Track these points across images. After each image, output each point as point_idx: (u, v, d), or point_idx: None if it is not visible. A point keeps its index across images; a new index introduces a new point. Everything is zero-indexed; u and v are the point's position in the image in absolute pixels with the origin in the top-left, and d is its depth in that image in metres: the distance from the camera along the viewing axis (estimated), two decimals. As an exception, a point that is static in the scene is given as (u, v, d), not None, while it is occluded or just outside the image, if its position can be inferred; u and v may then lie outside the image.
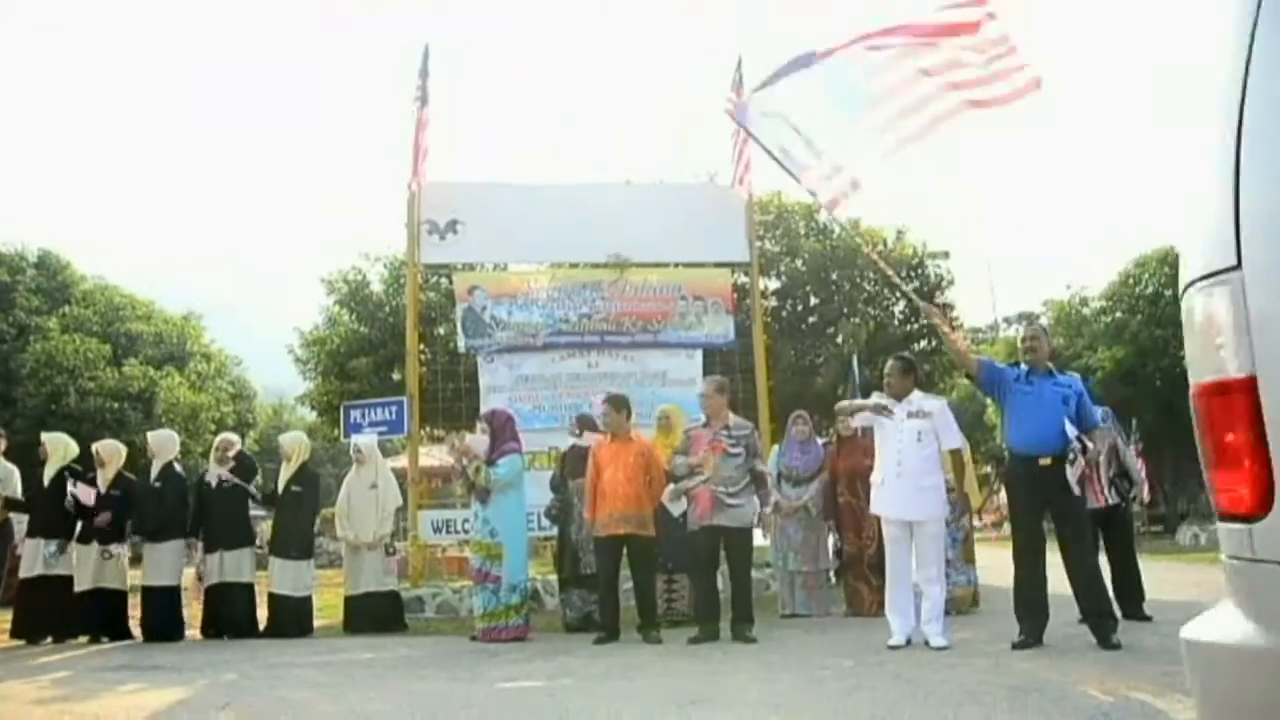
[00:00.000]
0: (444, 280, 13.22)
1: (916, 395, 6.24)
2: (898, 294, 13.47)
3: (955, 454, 6.19)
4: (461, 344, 9.98)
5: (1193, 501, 24.05)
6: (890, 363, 6.43)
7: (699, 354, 10.02)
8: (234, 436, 8.92)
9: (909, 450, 6.05)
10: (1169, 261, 21.81)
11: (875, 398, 6.47)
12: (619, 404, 7.24)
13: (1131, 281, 22.59)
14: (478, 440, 7.28)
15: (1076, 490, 5.65)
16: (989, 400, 25.58)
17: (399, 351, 12.31)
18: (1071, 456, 5.60)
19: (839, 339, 13.65)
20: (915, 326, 14.33)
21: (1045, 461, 5.68)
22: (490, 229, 10.00)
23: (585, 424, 8.10)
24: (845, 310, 13.82)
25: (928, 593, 6.09)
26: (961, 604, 7.68)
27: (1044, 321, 26.43)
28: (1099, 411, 6.87)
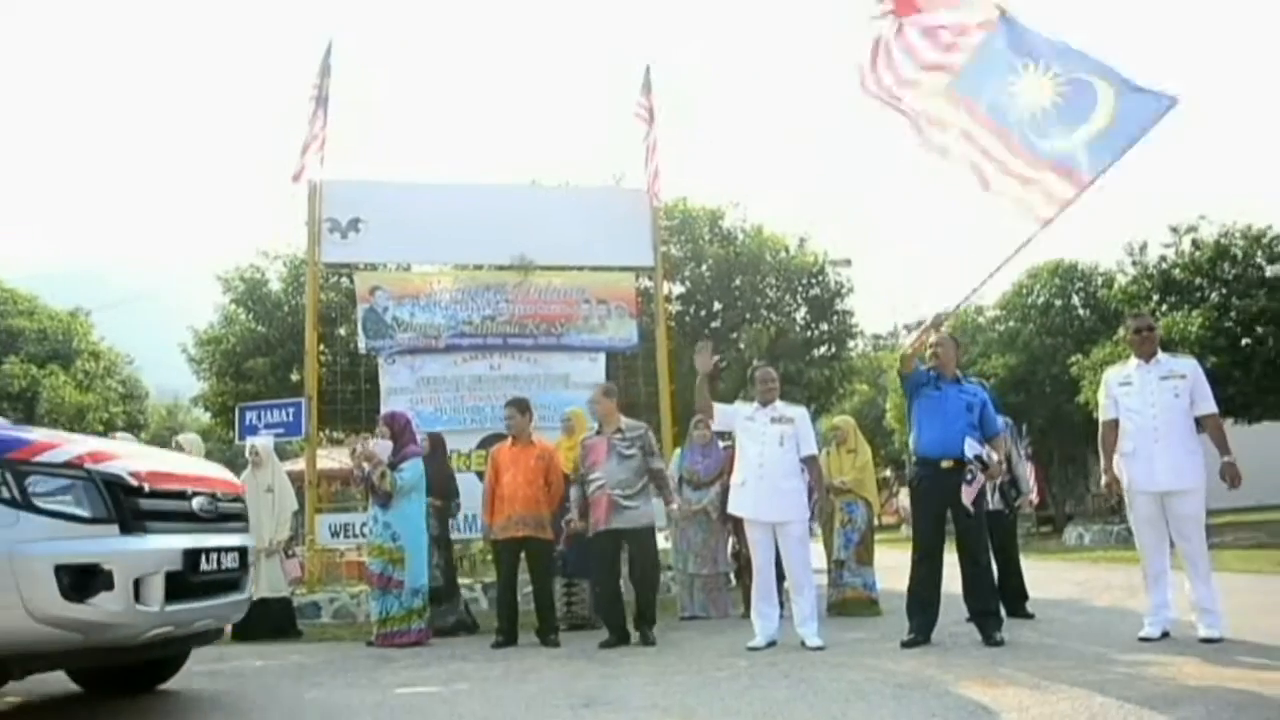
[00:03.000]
0: (345, 280, 13.00)
1: (780, 403, 6.45)
2: (799, 300, 13.71)
3: (812, 460, 6.40)
4: (362, 345, 9.84)
5: (1079, 504, 24.98)
6: (763, 370, 6.59)
7: (602, 357, 10.06)
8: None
9: (771, 453, 6.24)
10: (1059, 273, 22.65)
11: (738, 405, 6.67)
12: (524, 407, 7.27)
13: (1024, 291, 23.31)
14: (381, 445, 7.19)
15: (970, 508, 5.83)
16: (887, 406, 26.32)
17: (297, 352, 12.06)
18: (969, 476, 5.79)
19: (741, 344, 13.83)
20: (815, 333, 14.59)
21: (947, 464, 5.87)
22: (393, 228, 9.87)
23: (436, 442, 8.17)
24: (748, 316, 14.03)
25: (798, 594, 6.24)
26: (857, 607, 7.85)
27: (944, 329, 27.12)
28: (1000, 421, 7.18)
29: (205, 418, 20.20)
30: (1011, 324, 23.34)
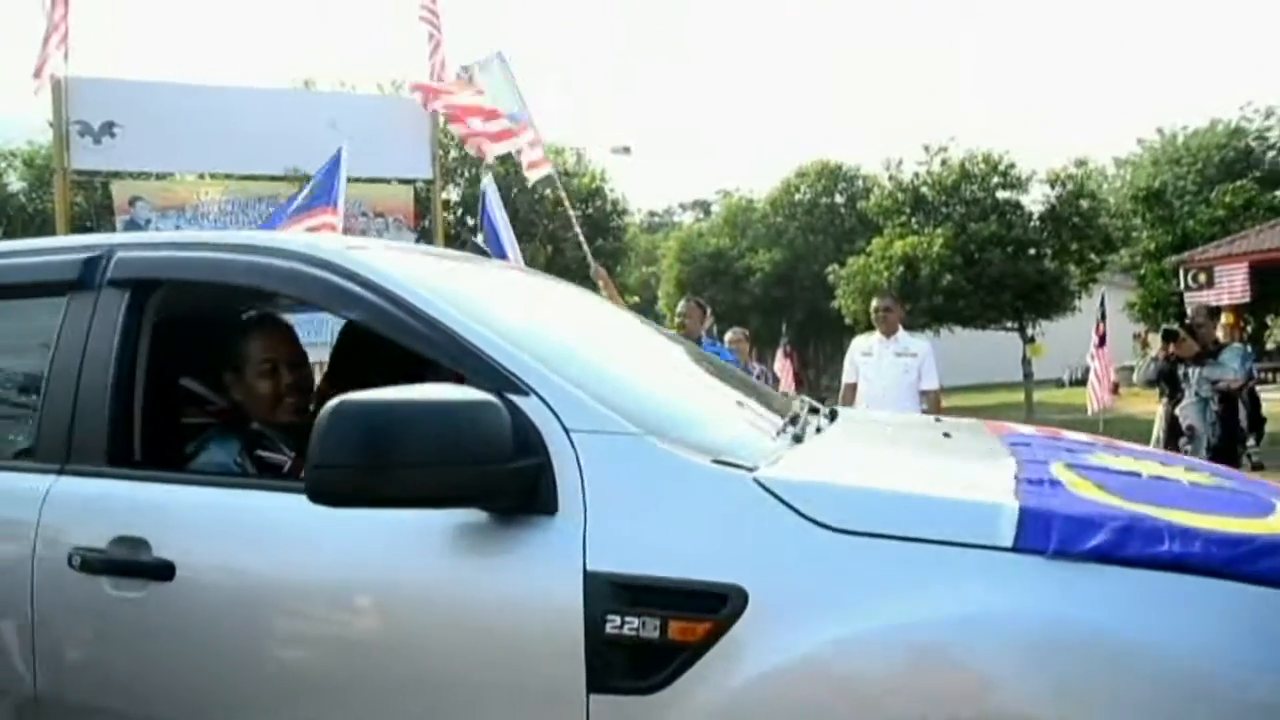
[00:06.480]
0: (100, 188, 12.12)
1: None
2: (576, 218, 13.98)
3: None
4: (122, 259, 9.33)
5: (833, 380, 27.12)
6: None
7: (380, 274, 9.99)
8: None
9: None
10: (825, 174, 23.92)
11: None
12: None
13: (792, 189, 24.47)
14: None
15: None
16: (659, 293, 27.19)
17: (45, 254, 11.19)
18: None
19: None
20: (593, 248, 14.93)
21: None
22: (153, 134, 9.27)
23: None
24: (529, 231, 14.20)
25: None
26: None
27: (715, 210, 28.25)
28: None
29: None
30: (779, 220, 24.56)
